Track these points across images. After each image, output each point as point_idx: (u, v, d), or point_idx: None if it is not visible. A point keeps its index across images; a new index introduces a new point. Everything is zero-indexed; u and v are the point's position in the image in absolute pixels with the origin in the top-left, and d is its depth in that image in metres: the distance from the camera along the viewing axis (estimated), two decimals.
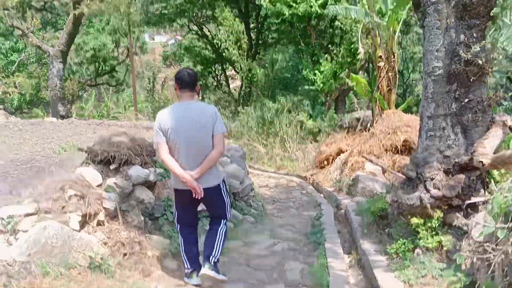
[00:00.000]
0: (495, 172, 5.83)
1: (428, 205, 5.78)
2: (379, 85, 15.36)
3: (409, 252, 5.96)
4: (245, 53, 26.24)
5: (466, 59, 5.69)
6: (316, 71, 20.13)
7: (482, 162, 4.80)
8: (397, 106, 15.34)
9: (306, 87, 20.81)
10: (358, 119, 17.16)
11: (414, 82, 31.29)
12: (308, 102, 22.92)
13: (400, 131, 12.08)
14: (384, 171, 11.76)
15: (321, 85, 20.01)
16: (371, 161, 11.88)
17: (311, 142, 17.49)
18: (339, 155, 13.44)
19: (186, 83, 4.66)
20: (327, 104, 21.01)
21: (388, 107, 14.80)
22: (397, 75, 16.31)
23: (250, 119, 19.26)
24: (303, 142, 17.82)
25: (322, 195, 12.09)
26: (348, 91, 22.05)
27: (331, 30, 22.01)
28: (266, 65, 27.74)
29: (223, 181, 4.98)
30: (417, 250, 5.93)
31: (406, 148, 12.12)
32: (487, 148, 5.35)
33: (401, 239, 6.13)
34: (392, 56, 15.39)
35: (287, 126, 18.40)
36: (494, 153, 5.40)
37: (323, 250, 7.02)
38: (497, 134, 5.56)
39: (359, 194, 10.97)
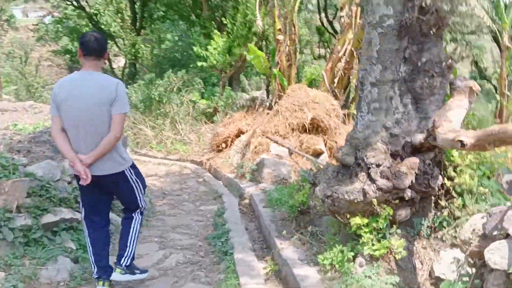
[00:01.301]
0: (454, 153, 4.52)
1: (374, 200, 4.30)
2: (279, 60, 13.97)
3: (349, 262, 4.45)
4: (128, 26, 23.32)
5: (421, 4, 4.23)
6: (209, 47, 18.17)
7: (461, 141, 3.37)
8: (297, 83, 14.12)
9: (198, 63, 18.75)
10: (255, 98, 15.66)
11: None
12: (200, 80, 20.90)
13: (307, 107, 10.77)
14: (291, 153, 10.37)
15: (214, 61, 18.13)
16: (276, 142, 10.41)
17: (205, 123, 15.62)
18: (239, 136, 11.79)
19: (92, 49, 4.05)
20: (221, 83, 19.23)
21: (288, 84, 13.49)
22: (298, 50, 15.14)
23: (135, 98, 16.76)
24: (196, 123, 15.87)
25: (221, 182, 10.35)
26: (243, 68, 20.50)
27: (224, 1, 20.16)
28: (154, 44, 25.12)
29: (131, 167, 4.38)
30: (359, 260, 4.46)
31: (314, 127, 10.86)
32: (453, 122, 3.98)
33: (336, 245, 4.60)
34: (293, 29, 14.09)
35: (178, 106, 16.28)
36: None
37: (232, 263, 5.28)
38: (462, 104, 4.23)
39: (265, 180, 9.42)
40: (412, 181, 4.31)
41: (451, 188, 4.43)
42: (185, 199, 9.12)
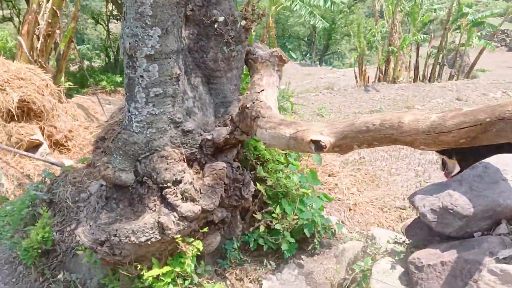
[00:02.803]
0: (259, 145, 3.43)
1: (178, 237, 2.85)
2: None
3: None
4: None
5: None
6: None
7: (320, 142, 2.24)
8: None
9: None
10: None
11: None
12: None
13: (10, 86, 8.01)
14: None
15: None
16: None
17: None
18: None
19: None
20: None
21: None
22: None
23: None
24: None
25: None
26: None
27: None
28: None
29: None
30: None
31: (25, 111, 8.23)
32: (273, 108, 2.84)
33: None
34: None
35: None
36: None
37: None
38: (272, 81, 3.12)
39: None
40: (221, 196, 3.03)
41: (263, 192, 3.35)
42: None
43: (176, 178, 2.90)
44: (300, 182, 3.32)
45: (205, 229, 3.01)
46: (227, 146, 3.18)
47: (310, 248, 3.39)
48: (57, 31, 12.20)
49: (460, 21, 18.91)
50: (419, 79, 18.48)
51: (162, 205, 2.91)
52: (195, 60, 3.20)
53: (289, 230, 3.22)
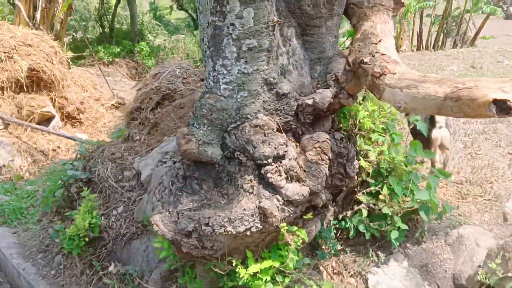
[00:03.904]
0: (360, 112, 2.85)
1: (284, 226, 2.31)
2: None
3: None
4: None
5: None
6: None
7: (509, 102, 1.67)
8: None
9: None
10: None
11: None
12: None
13: (18, 54, 7.29)
14: (6, 124, 6.92)
15: None
16: None
17: None
18: None
19: None
20: None
21: None
22: None
23: None
24: None
25: None
26: None
27: None
28: None
29: None
30: None
31: (34, 81, 7.55)
32: (399, 61, 2.25)
33: None
34: None
35: None
36: None
37: None
38: (388, 29, 2.51)
39: None
40: (326, 175, 2.47)
41: (367, 169, 2.79)
42: None
43: (277, 153, 2.33)
44: (407, 156, 2.76)
45: (309, 215, 2.46)
46: (327, 112, 2.61)
47: (417, 235, 2.87)
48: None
49: None
50: (423, 47, 17.79)
51: (261, 186, 2.35)
52: (288, 5, 2.58)
53: (399, 215, 2.68)
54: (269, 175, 2.31)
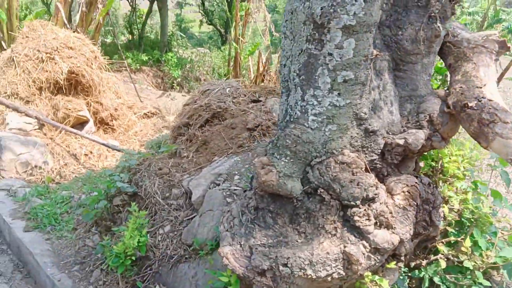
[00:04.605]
0: (447, 159, 2.69)
1: (368, 275, 2.14)
2: None
3: None
4: None
5: None
6: None
7: None
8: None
9: None
10: None
11: None
12: None
13: (59, 55, 7.28)
14: (41, 125, 6.86)
15: None
16: (16, 109, 6.67)
17: None
18: None
19: None
20: None
21: (10, 18, 9.35)
22: None
23: None
24: None
25: None
26: None
27: None
28: None
29: None
30: None
31: (72, 84, 7.51)
32: (506, 107, 2.10)
33: None
34: None
35: None
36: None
37: None
38: (491, 74, 2.36)
39: (7, 171, 5.89)
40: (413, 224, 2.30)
41: (451, 218, 2.61)
42: None
43: (367, 195, 2.16)
44: (491, 207, 2.58)
45: (392, 264, 2.29)
46: (415, 154, 2.45)
47: None
48: (98, 2, 11.49)
49: (496, 27, 18.01)
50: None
51: (345, 229, 2.18)
52: (385, 38, 2.45)
53: (480, 270, 2.49)
54: (356, 218, 2.14)
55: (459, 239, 2.54)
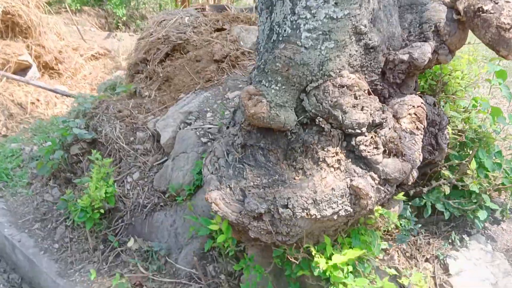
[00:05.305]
0: (447, 71, 2.43)
1: (379, 209, 1.91)
2: None
3: None
4: None
5: None
6: None
7: None
8: None
9: None
10: None
11: None
12: None
13: None
14: None
15: None
16: None
17: None
18: None
19: None
20: None
21: None
22: None
23: None
24: None
25: None
26: None
27: None
28: None
29: None
30: None
31: (9, 27, 6.68)
32: None
33: None
34: None
35: None
36: None
37: None
38: None
39: None
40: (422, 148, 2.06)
41: (457, 140, 2.40)
42: None
43: (373, 121, 1.88)
44: (495, 124, 2.37)
45: (400, 195, 2.06)
46: (418, 71, 2.17)
47: (497, 214, 2.54)
48: None
49: None
50: None
51: (349, 160, 1.90)
52: None
53: (487, 193, 2.32)
54: (362, 147, 1.87)
55: (463, 162, 2.34)
